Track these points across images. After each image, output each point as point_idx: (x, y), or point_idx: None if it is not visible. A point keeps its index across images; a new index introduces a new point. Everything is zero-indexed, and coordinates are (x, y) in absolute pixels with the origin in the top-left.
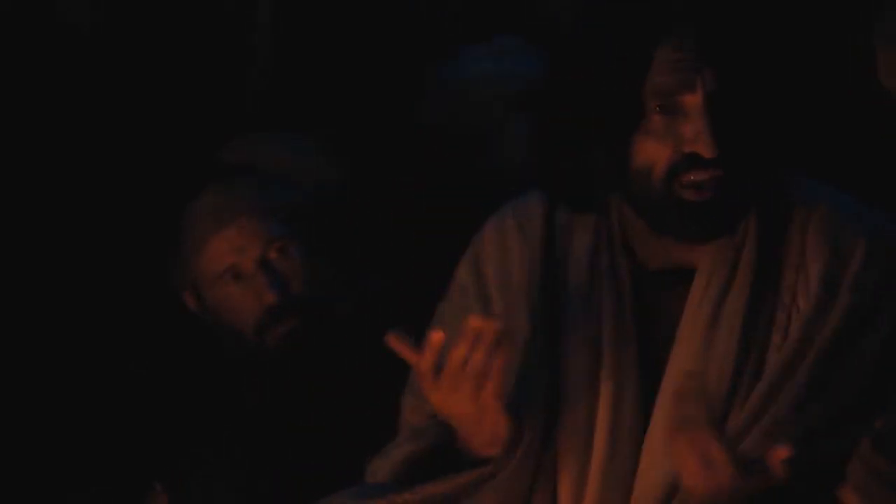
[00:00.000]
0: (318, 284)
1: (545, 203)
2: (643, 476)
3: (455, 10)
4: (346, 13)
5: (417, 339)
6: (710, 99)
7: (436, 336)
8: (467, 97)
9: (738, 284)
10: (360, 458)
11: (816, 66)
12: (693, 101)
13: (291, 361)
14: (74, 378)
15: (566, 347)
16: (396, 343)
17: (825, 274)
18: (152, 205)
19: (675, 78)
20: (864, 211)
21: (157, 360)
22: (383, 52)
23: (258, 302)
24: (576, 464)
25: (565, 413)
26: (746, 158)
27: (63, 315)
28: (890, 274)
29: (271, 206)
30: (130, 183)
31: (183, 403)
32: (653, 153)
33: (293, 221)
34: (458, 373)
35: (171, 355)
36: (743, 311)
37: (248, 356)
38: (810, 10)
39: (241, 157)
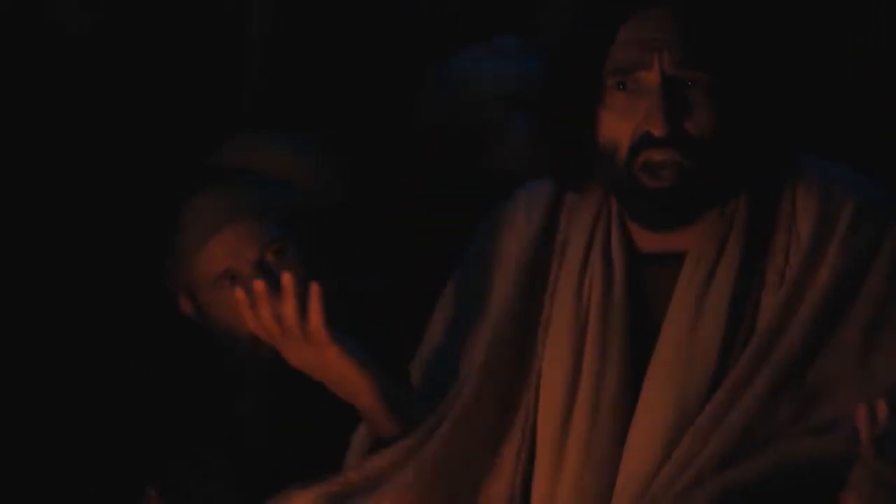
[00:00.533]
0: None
1: (554, 184)
2: (630, 453)
3: (455, 9)
4: (344, 13)
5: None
6: (667, 79)
7: (258, 285)
8: (467, 97)
9: (725, 265)
10: None
11: (793, 56)
12: (649, 79)
13: (288, 364)
14: (74, 378)
15: (551, 324)
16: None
17: (814, 235)
18: (148, 206)
19: (634, 55)
20: (855, 177)
21: (157, 361)
22: (383, 51)
23: None
24: (554, 435)
25: (544, 388)
26: (712, 148)
27: (62, 315)
28: (878, 238)
29: (268, 208)
30: (126, 184)
31: (182, 404)
32: (615, 131)
33: (290, 223)
34: (281, 329)
35: (171, 356)
36: (730, 291)
37: (245, 359)
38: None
39: (237, 159)
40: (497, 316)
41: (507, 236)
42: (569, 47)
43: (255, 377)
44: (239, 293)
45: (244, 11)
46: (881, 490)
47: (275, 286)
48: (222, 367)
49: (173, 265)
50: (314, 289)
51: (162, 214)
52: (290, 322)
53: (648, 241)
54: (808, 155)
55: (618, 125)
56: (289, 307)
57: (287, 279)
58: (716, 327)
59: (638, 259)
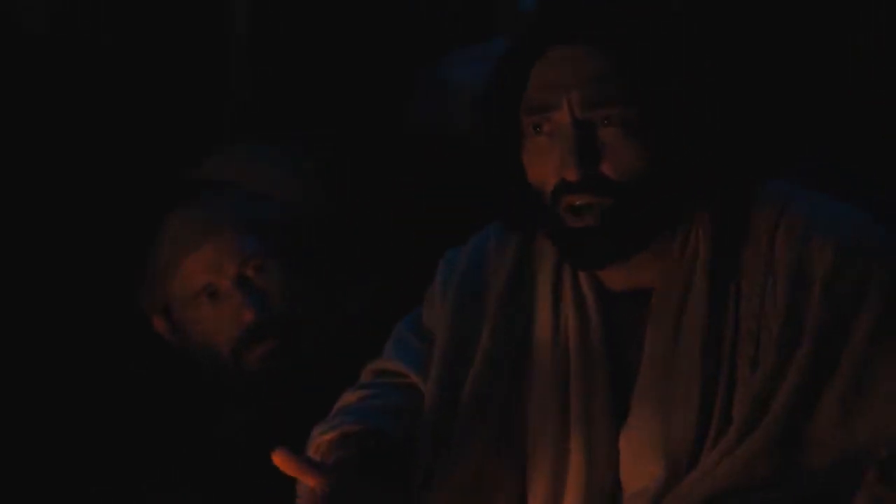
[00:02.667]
0: (299, 303)
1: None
2: (625, 487)
3: (455, 10)
4: (341, 12)
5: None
6: (578, 121)
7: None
8: (461, 99)
9: (692, 305)
10: None
11: (720, 81)
12: (561, 121)
13: (270, 383)
14: (74, 378)
15: (532, 369)
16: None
17: (791, 293)
18: (122, 221)
19: (545, 97)
20: (839, 216)
21: (157, 361)
22: (381, 53)
23: (235, 321)
24: (549, 481)
25: (534, 444)
26: (636, 184)
27: (61, 316)
28: (860, 290)
29: (249, 222)
30: (98, 197)
31: (165, 420)
32: (539, 175)
33: (272, 237)
34: None
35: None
36: (701, 333)
37: (225, 379)
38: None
39: (216, 172)
40: (480, 362)
41: (477, 274)
42: (487, 92)
43: (234, 399)
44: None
45: (225, 12)
46: None
47: (254, 302)
48: (199, 388)
49: (149, 282)
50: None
51: (135, 229)
52: None
53: (614, 279)
54: (791, 181)
55: (540, 169)
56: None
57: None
58: (692, 366)
59: (608, 297)
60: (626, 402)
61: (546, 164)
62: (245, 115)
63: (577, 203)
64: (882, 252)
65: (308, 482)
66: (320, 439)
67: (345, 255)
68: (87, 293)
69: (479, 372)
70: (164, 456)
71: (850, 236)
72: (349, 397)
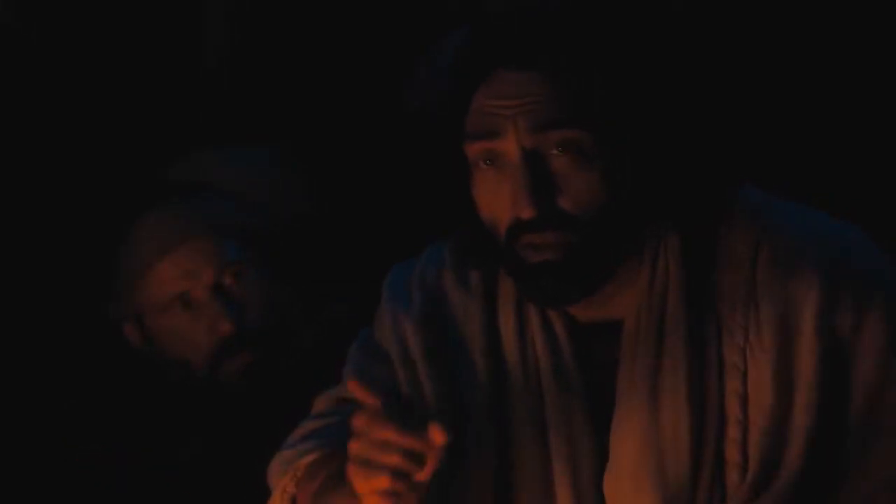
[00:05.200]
0: (278, 313)
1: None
2: None
3: (454, 10)
4: (337, 13)
5: None
6: (528, 152)
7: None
8: None
9: (670, 336)
10: None
11: (683, 99)
12: (509, 152)
13: (247, 398)
14: (75, 379)
15: (509, 407)
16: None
17: (780, 323)
18: (92, 225)
19: (488, 122)
20: (824, 231)
21: (126, 372)
22: (377, 53)
23: (211, 332)
24: None
25: (518, 485)
26: (599, 214)
27: (26, 321)
28: (856, 318)
29: (226, 227)
30: (67, 199)
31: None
32: (491, 211)
33: (250, 243)
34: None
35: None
36: (685, 365)
37: (200, 393)
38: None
39: (191, 174)
40: (475, 399)
41: (441, 317)
42: (427, 120)
43: (211, 411)
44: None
45: (199, 13)
46: None
47: (232, 312)
48: (170, 404)
49: (117, 291)
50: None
51: (106, 232)
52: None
53: (585, 312)
54: (772, 196)
55: (492, 205)
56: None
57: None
58: (678, 402)
59: (580, 331)
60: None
61: (497, 201)
62: (222, 114)
63: (538, 241)
64: (876, 270)
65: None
66: (298, 462)
67: (327, 264)
68: (54, 299)
69: (476, 424)
70: (126, 472)
71: (841, 257)
72: (311, 424)
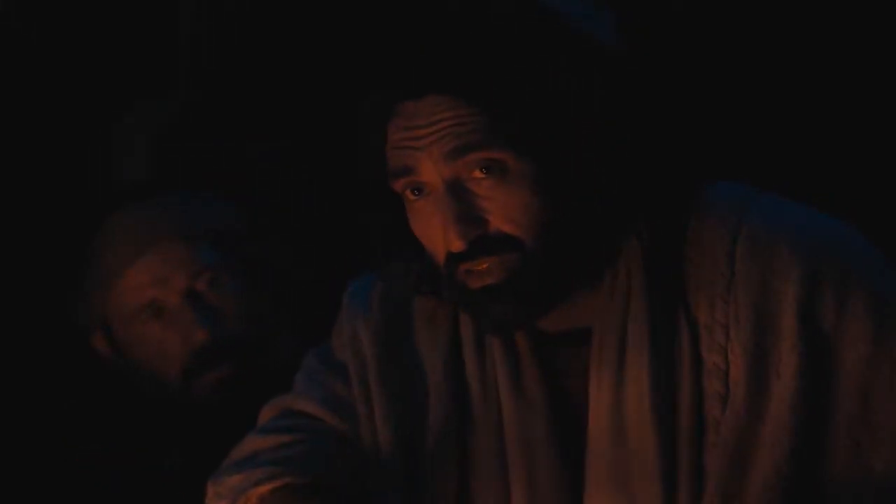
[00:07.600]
0: (256, 321)
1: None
2: None
3: (454, 10)
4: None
5: None
6: (448, 181)
7: None
8: None
9: (631, 348)
10: None
11: (609, 110)
12: (430, 181)
13: (223, 412)
14: (73, 380)
15: (468, 419)
16: None
17: (760, 314)
18: (56, 227)
19: (402, 158)
20: (804, 220)
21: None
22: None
23: (185, 342)
24: None
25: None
26: (538, 231)
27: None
28: (838, 316)
29: (200, 229)
30: (35, 196)
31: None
32: (428, 242)
33: (227, 247)
34: None
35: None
36: (649, 379)
37: (172, 406)
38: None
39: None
40: (436, 412)
41: (406, 342)
42: (350, 161)
43: (184, 426)
44: None
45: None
46: None
47: (206, 320)
48: (141, 418)
49: (83, 298)
50: None
51: (72, 235)
52: None
53: (546, 321)
54: (754, 190)
55: (427, 237)
56: None
57: None
58: (642, 408)
59: (543, 339)
60: (581, 472)
61: (431, 232)
62: (194, 112)
63: (476, 269)
64: (859, 259)
65: None
66: (253, 490)
67: (308, 269)
68: (15, 309)
69: (435, 437)
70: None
71: (821, 247)
72: (262, 442)
